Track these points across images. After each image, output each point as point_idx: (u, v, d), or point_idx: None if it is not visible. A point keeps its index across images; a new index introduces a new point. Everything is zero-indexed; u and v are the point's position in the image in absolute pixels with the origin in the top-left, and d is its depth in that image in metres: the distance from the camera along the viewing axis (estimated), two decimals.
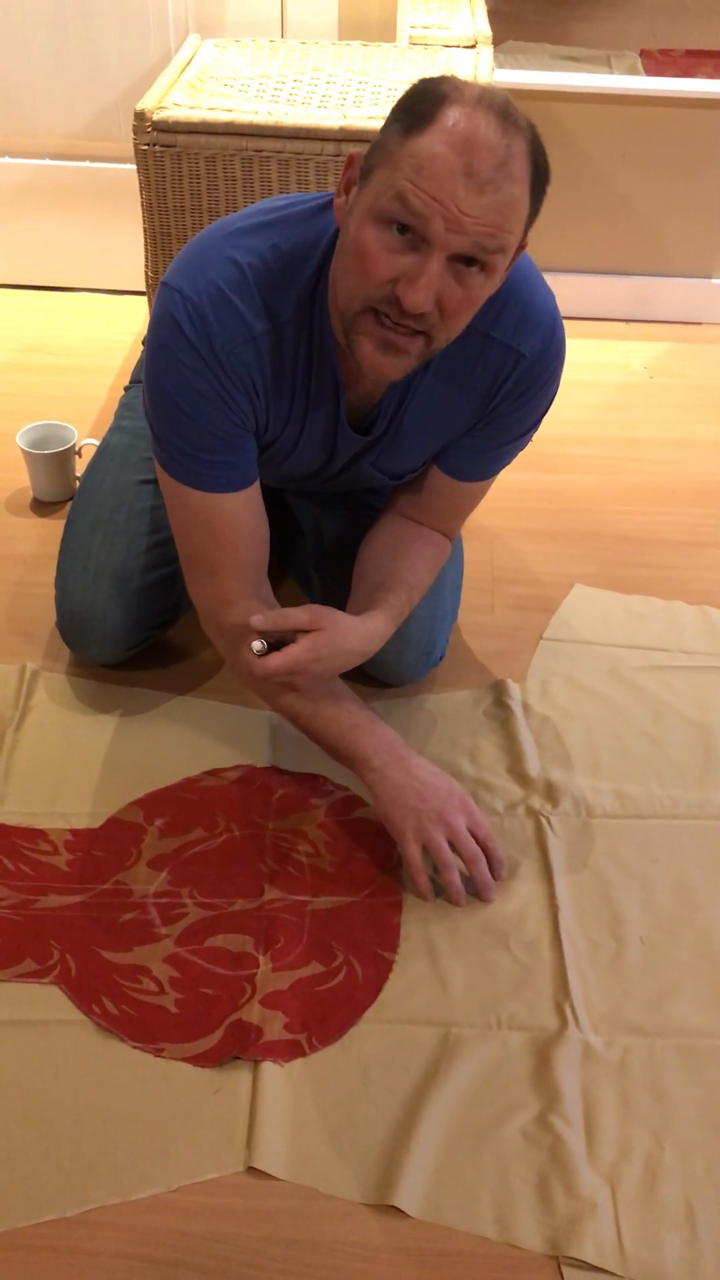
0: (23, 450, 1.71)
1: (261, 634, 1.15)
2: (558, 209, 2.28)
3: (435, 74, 1.05)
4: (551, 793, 1.34)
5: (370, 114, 1.77)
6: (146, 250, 1.93)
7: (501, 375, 1.17)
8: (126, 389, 1.58)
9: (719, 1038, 1.11)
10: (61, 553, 1.44)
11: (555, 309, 1.18)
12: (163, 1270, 0.95)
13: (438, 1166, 1.01)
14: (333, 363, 1.14)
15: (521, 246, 1.04)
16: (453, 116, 0.94)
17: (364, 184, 1.00)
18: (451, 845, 1.20)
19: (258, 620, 1.15)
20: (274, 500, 1.35)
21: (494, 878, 1.22)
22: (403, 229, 0.97)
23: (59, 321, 2.30)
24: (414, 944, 1.19)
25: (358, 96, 1.84)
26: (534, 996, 1.14)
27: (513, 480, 1.88)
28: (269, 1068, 1.07)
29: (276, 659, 1.14)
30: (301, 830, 1.30)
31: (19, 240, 2.36)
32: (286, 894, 1.23)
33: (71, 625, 1.42)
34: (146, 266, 1.94)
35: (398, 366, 1.06)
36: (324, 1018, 1.12)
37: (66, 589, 1.41)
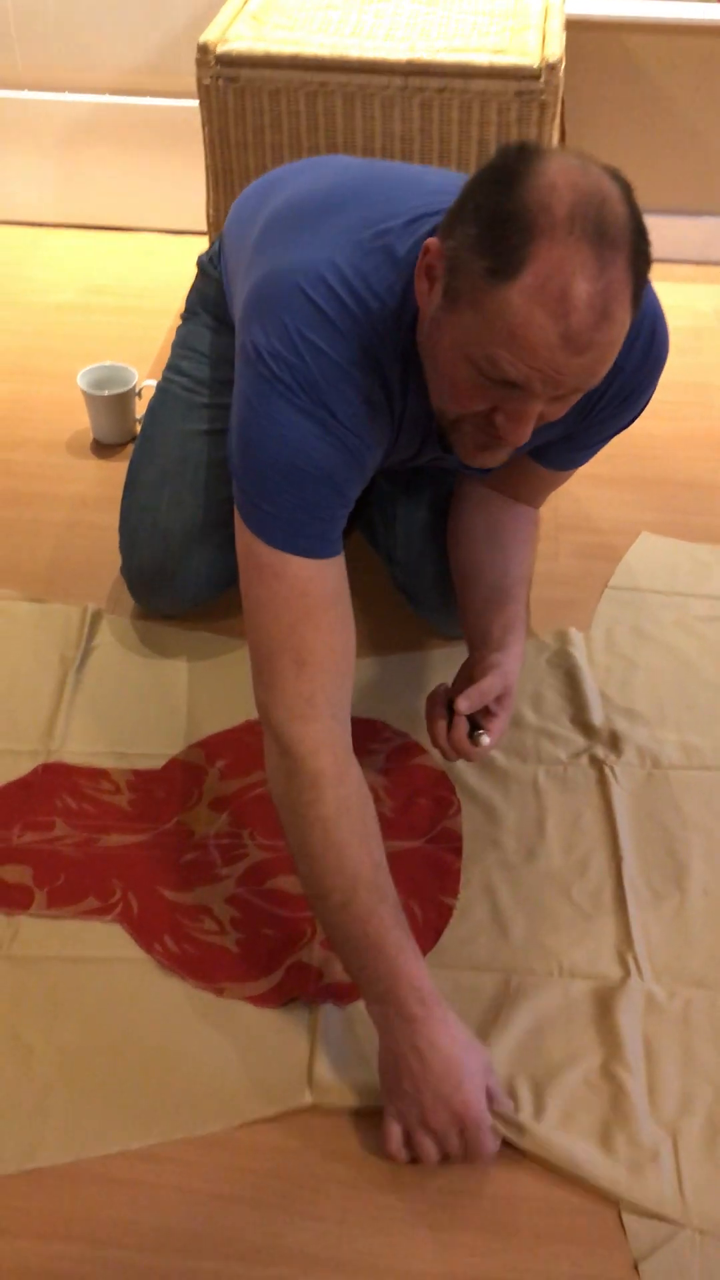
0: (83, 392, 1.71)
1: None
2: (625, 145, 2.23)
3: (514, 144, 0.90)
4: (615, 742, 1.33)
5: (438, 46, 1.72)
6: (209, 188, 1.90)
7: (600, 388, 1.07)
8: (183, 321, 1.55)
9: None
10: (126, 504, 1.43)
11: (655, 308, 1.10)
12: (224, 1205, 0.97)
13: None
14: (425, 403, 1.05)
15: None
16: (545, 264, 0.83)
17: (448, 306, 0.91)
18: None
19: (465, 705, 1.06)
20: None
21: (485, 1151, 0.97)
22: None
23: (120, 262, 2.29)
24: (474, 890, 1.19)
25: (425, 28, 1.79)
26: (596, 945, 1.13)
27: None
28: (329, 1009, 1.08)
29: (492, 740, 1.09)
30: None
31: (80, 179, 2.34)
32: None
33: (140, 580, 1.43)
34: (208, 205, 1.92)
35: (498, 459, 1.03)
36: None
37: (135, 543, 1.41)
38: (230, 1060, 1.05)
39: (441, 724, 1.10)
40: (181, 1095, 1.03)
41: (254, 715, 1.35)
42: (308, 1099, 1.02)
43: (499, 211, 0.86)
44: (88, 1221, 0.95)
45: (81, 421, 1.79)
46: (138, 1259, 0.93)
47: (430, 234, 0.98)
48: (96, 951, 1.12)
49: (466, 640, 1.21)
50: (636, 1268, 0.93)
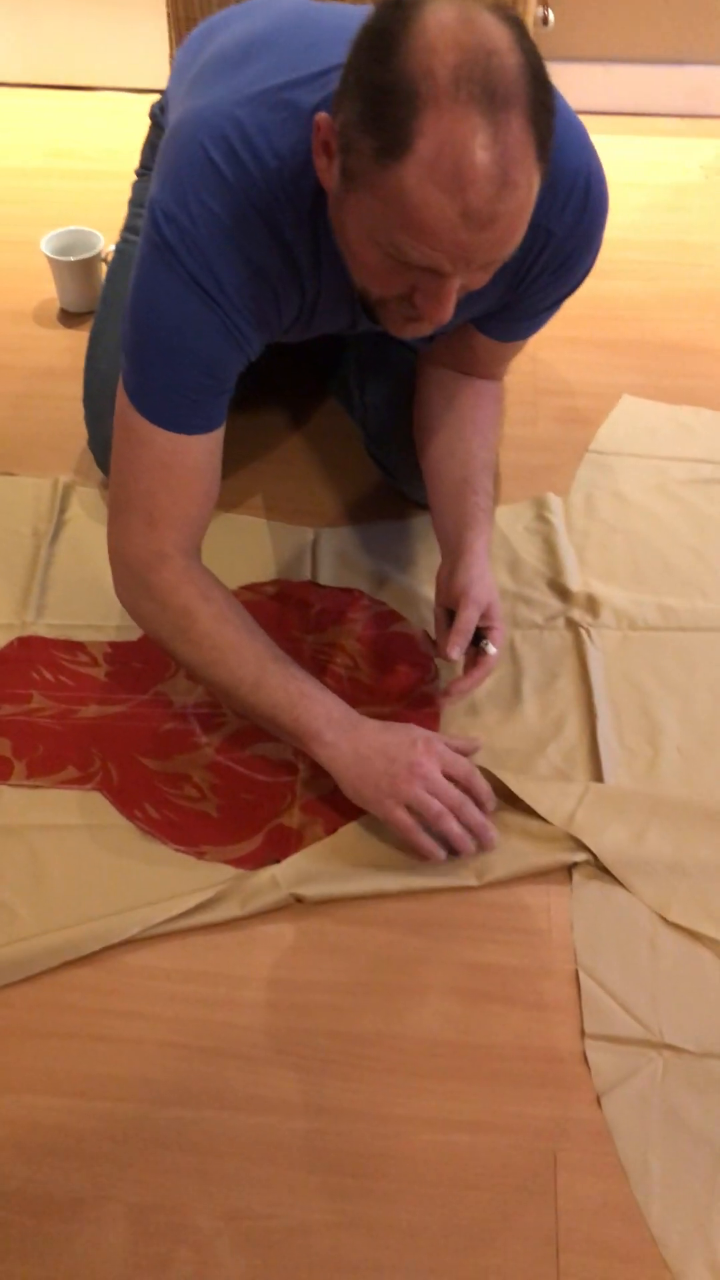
0: (48, 257, 1.65)
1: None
2: None
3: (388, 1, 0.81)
4: (592, 605, 1.32)
5: None
6: (171, 42, 1.82)
7: (532, 254, 1.05)
8: (138, 178, 1.49)
9: None
10: (88, 371, 1.40)
11: (589, 163, 1.02)
12: (209, 1059, 0.99)
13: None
14: (342, 268, 0.99)
15: None
16: (433, 139, 0.78)
17: (347, 187, 0.86)
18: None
19: (456, 654, 1.09)
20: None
21: (484, 812, 1.08)
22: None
23: (81, 123, 2.20)
24: None
25: None
26: None
27: None
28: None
29: (498, 648, 1.12)
30: (339, 644, 1.29)
31: (38, 35, 2.23)
32: None
33: (107, 452, 1.39)
34: (171, 58, 1.83)
35: (428, 329, 0.98)
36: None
37: (99, 415, 1.38)
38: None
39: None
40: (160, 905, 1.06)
41: (229, 587, 1.35)
42: (283, 892, 1.06)
43: (379, 84, 0.80)
44: (75, 1077, 0.98)
45: (48, 290, 1.74)
46: (125, 1109, 0.96)
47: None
48: (78, 819, 1.13)
49: (437, 539, 1.20)
50: (599, 1102, 0.96)
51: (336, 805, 1.14)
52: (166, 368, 1.01)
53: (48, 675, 1.25)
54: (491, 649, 1.11)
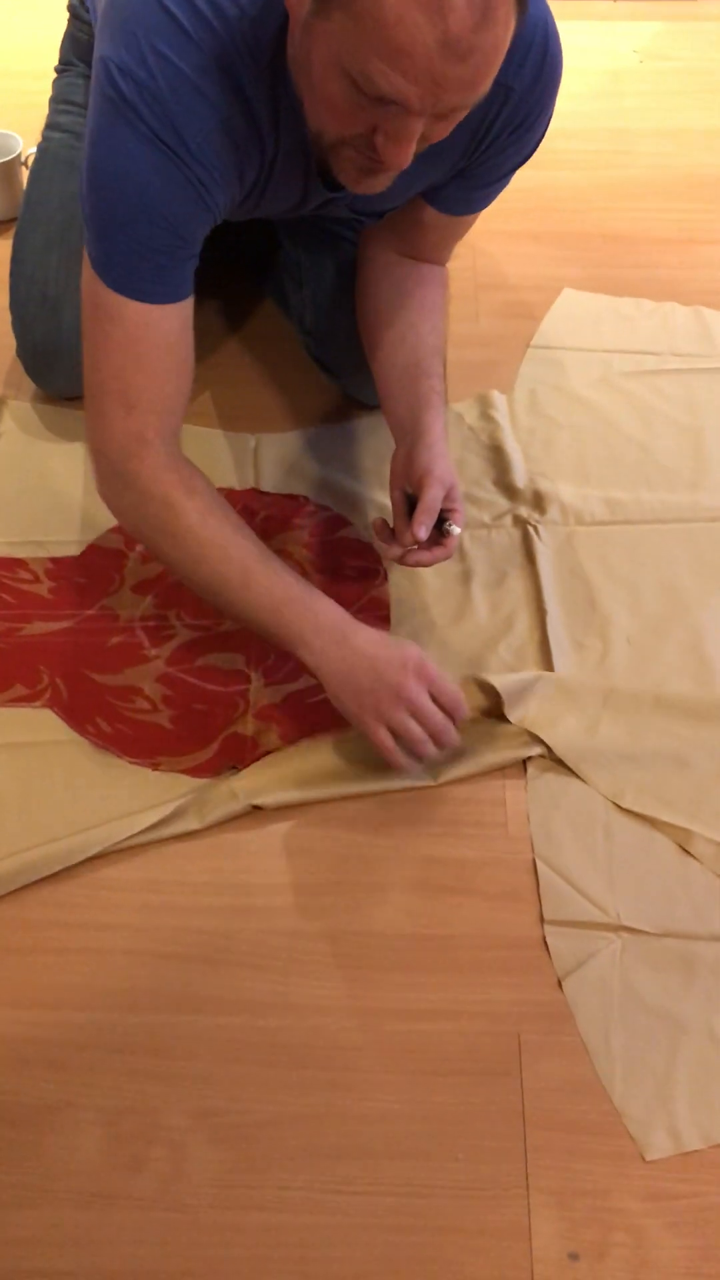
0: None
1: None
2: None
3: None
4: (539, 502, 1.32)
5: None
6: None
7: (491, 113, 1.01)
8: (58, 74, 1.43)
9: (702, 731, 1.13)
10: (13, 276, 1.35)
11: (546, 19, 0.98)
12: (174, 964, 1.00)
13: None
14: (300, 130, 0.96)
15: None
16: None
17: (319, 11, 0.82)
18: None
19: (422, 533, 1.05)
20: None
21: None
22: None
23: None
24: None
25: None
26: None
27: None
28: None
29: (460, 528, 1.09)
30: (286, 550, 1.28)
31: None
32: None
33: (35, 359, 1.35)
34: None
35: (383, 183, 0.94)
36: (317, 728, 1.13)
37: (26, 321, 1.33)
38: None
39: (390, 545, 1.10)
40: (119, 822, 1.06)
41: None
42: (241, 802, 1.06)
43: None
44: (41, 988, 0.98)
45: None
46: (93, 1018, 0.97)
47: None
48: (28, 737, 1.12)
49: (390, 427, 1.18)
50: (560, 985, 0.98)
51: (290, 711, 1.13)
52: (131, 231, 0.96)
53: None
54: (455, 529, 1.09)
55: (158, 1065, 0.94)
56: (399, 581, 1.25)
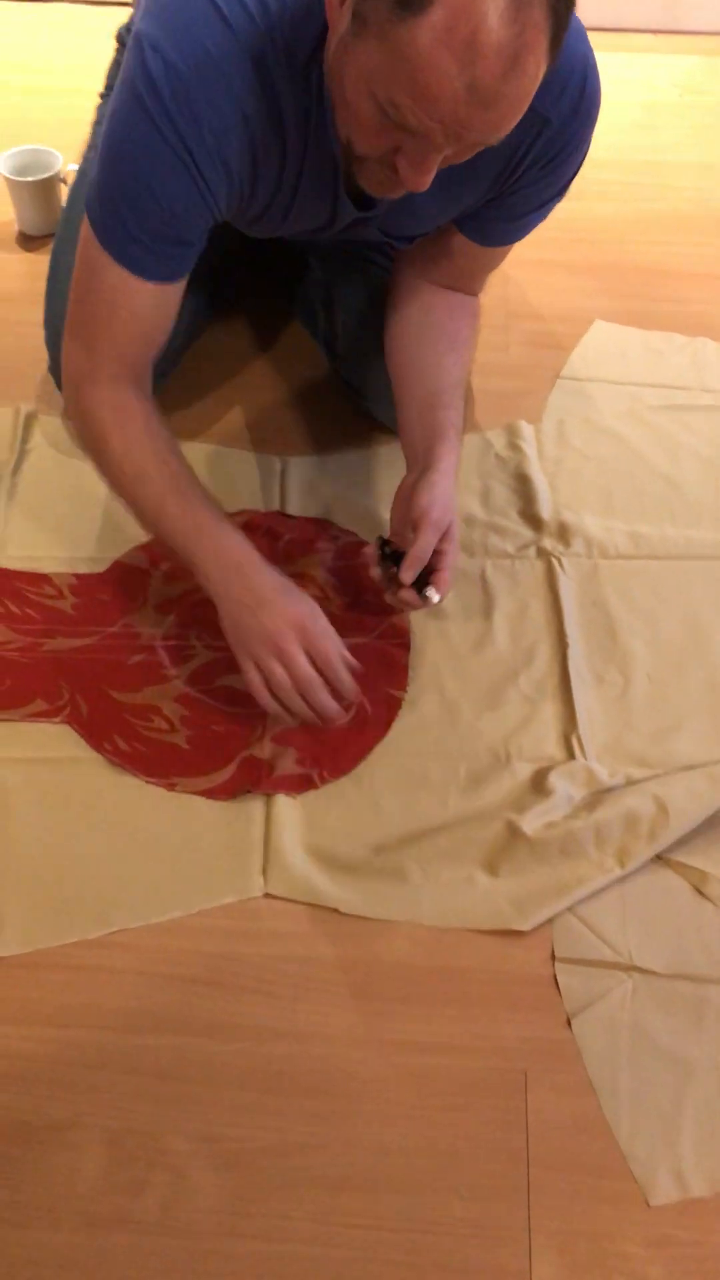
0: (4, 177, 1.60)
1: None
2: None
3: None
4: (564, 534, 1.32)
5: None
6: None
7: (525, 143, 1.02)
8: (102, 99, 1.45)
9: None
10: (49, 291, 1.36)
11: (587, 54, 0.99)
12: (183, 986, 1.00)
13: (441, 878, 1.05)
14: (330, 145, 0.99)
15: None
16: (454, 4, 0.76)
17: (356, 31, 0.83)
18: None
19: (408, 576, 1.09)
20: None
21: (343, 706, 1.09)
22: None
23: (38, 36, 2.12)
24: (423, 682, 1.19)
25: None
26: (542, 730, 1.15)
27: None
28: (282, 799, 1.10)
29: (441, 594, 1.10)
30: (309, 574, 1.28)
31: None
32: None
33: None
34: None
35: (402, 192, 0.95)
36: (335, 752, 1.13)
37: (59, 337, 1.34)
38: (184, 851, 1.07)
39: (382, 576, 1.13)
40: (138, 886, 1.05)
41: None
42: (260, 888, 1.05)
43: None
44: (51, 1005, 0.98)
45: (4, 211, 1.69)
46: (101, 1037, 0.97)
47: None
48: (47, 752, 1.13)
49: (404, 454, 1.18)
50: (569, 1024, 0.98)
51: (307, 736, 1.13)
52: (128, 205, 0.99)
53: (13, 608, 1.23)
54: (434, 596, 1.10)
55: (163, 1088, 0.94)
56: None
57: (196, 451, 1.39)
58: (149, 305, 1.06)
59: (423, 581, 1.10)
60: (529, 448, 1.42)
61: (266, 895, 1.04)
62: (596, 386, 1.51)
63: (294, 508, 1.35)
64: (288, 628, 1.05)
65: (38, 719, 1.15)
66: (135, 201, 0.98)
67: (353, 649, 1.13)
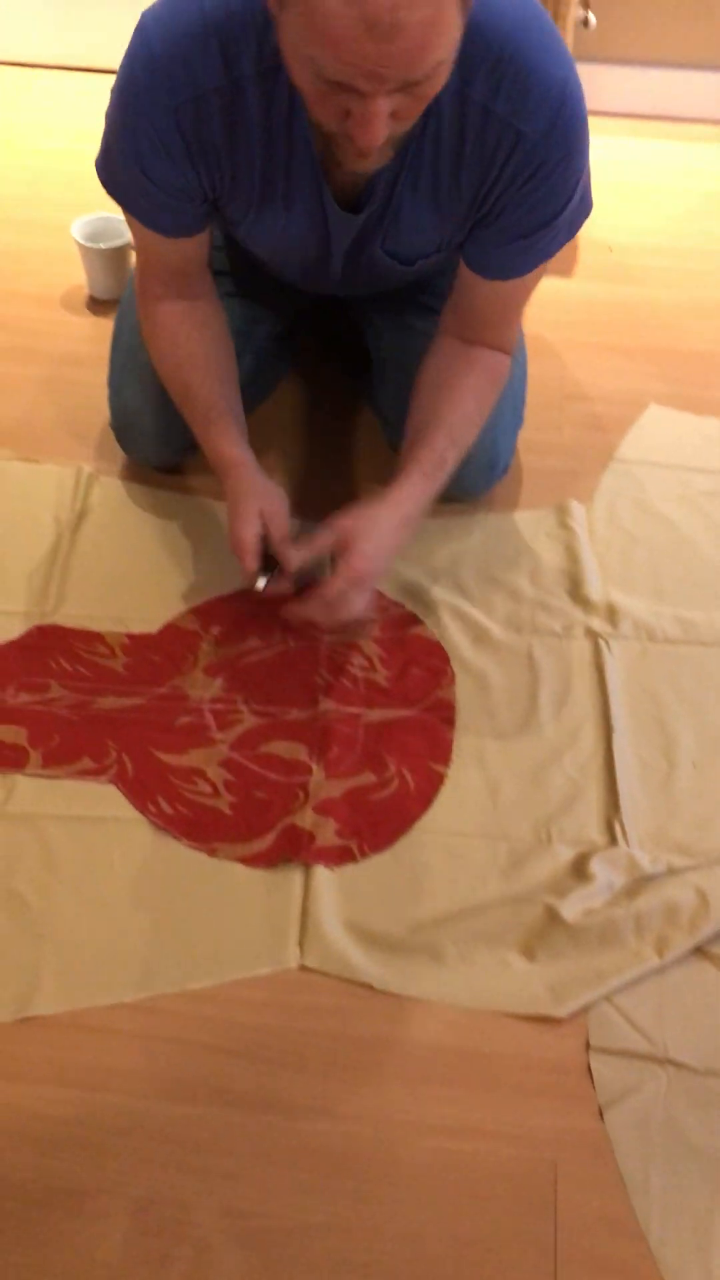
0: (77, 244, 1.65)
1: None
2: None
3: None
4: (612, 615, 1.32)
5: None
6: None
7: (500, 154, 1.05)
8: None
9: None
10: (113, 350, 1.41)
11: (568, 78, 1.02)
12: (216, 1056, 1.00)
13: (477, 960, 1.05)
14: (306, 139, 1.05)
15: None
16: None
17: (280, 7, 0.88)
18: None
19: (296, 560, 1.17)
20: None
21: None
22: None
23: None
24: (466, 759, 1.20)
25: None
26: (585, 813, 1.15)
27: (585, 291, 1.80)
28: (321, 871, 1.10)
29: (295, 609, 1.18)
30: (356, 644, 1.29)
31: (73, 17, 2.22)
32: (340, 705, 1.23)
33: (123, 424, 1.40)
34: None
35: (378, 162, 1.01)
36: (375, 825, 1.13)
37: (120, 389, 1.38)
38: (222, 919, 1.07)
39: (252, 560, 1.19)
40: (175, 951, 1.05)
41: None
42: (296, 960, 1.05)
43: None
44: (84, 1069, 0.98)
45: (76, 275, 1.73)
46: (133, 1104, 0.97)
47: None
48: (91, 811, 1.14)
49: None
50: (601, 1115, 0.96)
51: (350, 806, 1.14)
52: (123, 167, 1.11)
53: (66, 665, 1.25)
54: (261, 582, 1.18)
55: (191, 1158, 0.94)
56: (466, 684, 1.26)
57: None
58: (170, 250, 1.20)
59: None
60: (579, 527, 1.43)
61: (301, 967, 1.04)
62: (648, 470, 1.52)
63: None
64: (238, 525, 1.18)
65: (84, 777, 1.16)
66: (126, 166, 1.10)
67: (398, 721, 1.14)
